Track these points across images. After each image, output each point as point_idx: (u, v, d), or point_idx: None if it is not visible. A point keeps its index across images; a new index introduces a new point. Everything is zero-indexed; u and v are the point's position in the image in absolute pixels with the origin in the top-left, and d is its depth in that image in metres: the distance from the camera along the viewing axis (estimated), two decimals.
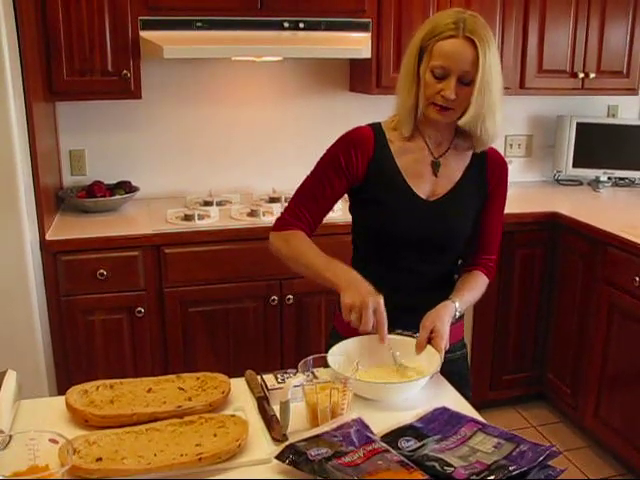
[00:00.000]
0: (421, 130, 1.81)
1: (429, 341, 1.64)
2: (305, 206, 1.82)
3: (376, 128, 1.83)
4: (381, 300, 1.58)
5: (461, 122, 1.71)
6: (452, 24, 1.64)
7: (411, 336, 1.68)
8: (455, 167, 1.83)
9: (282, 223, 1.84)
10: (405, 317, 1.72)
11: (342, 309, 1.60)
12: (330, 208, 1.86)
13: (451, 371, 1.68)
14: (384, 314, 1.58)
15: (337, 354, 1.57)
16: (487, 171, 1.85)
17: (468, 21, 1.64)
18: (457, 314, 1.74)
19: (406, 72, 1.74)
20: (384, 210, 1.79)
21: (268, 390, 1.54)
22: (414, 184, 1.79)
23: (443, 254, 1.84)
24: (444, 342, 1.62)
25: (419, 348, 1.64)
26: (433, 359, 1.60)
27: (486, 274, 1.89)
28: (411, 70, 1.72)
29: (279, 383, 1.55)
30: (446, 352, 1.63)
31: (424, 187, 1.80)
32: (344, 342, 1.65)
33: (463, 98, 1.68)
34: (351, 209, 1.90)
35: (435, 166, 1.81)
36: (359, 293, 1.58)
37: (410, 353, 1.64)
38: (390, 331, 1.70)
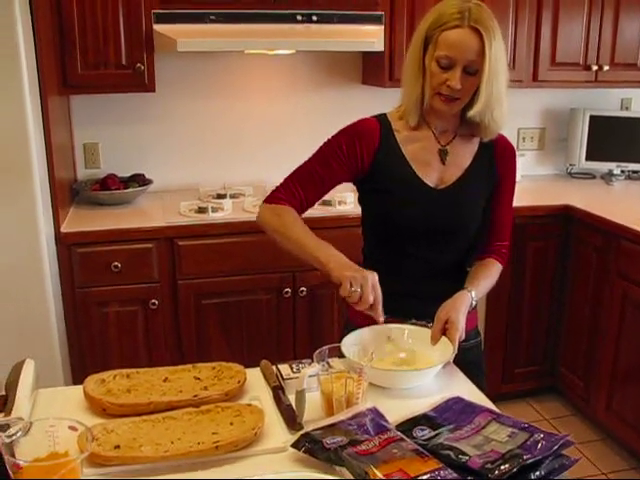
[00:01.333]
0: (427, 119, 1.81)
1: (444, 332, 1.64)
2: (302, 186, 1.81)
3: (381, 119, 1.84)
4: (377, 277, 1.59)
5: (471, 113, 1.72)
6: (457, 14, 1.64)
7: (425, 326, 1.69)
8: (463, 154, 1.83)
9: (275, 197, 1.83)
10: (416, 305, 1.74)
11: (342, 282, 1.58)
12: (325, 193, 1.86)
13: (465, 359, 1.68)
14: (379, 291, 1.58)
15: (351, 344, 1.58)
16: (495, 157, 1.85)
17: (473, 10, 1.64)
18: (473, 303, 1.75)
19: (411, 62, 1.75)
20: (392, 200, 1.80)
21: (283, 380, 1.55)
22: (422, 173, 1.80)
23: (453, 242, 1.85)
24: (459, 333, 1.62)
25: (434, 339, 1.65)
26: (446, 349, 1.61)
27: (499, 261, 1.89)
28: (416, 60, 1.73)
29: (294, 373, 1.56)
30: (461, 341, 1.63)
31: (432, 175, 1.80)
32: (358, 331, 1.65)
33: (468, 88, 1.68)
34: (360, 200, 1.91)
35: (443, 154, 1.81)
36: (356, 270, 1.59)
37: (424, 342, 1.65)
38: (404, 321, 1.72)
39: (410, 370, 1.59)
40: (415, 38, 1.75)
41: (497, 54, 1.65)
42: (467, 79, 1.67)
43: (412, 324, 1.72)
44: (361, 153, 1.79)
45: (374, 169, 1.80)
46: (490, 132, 1.78)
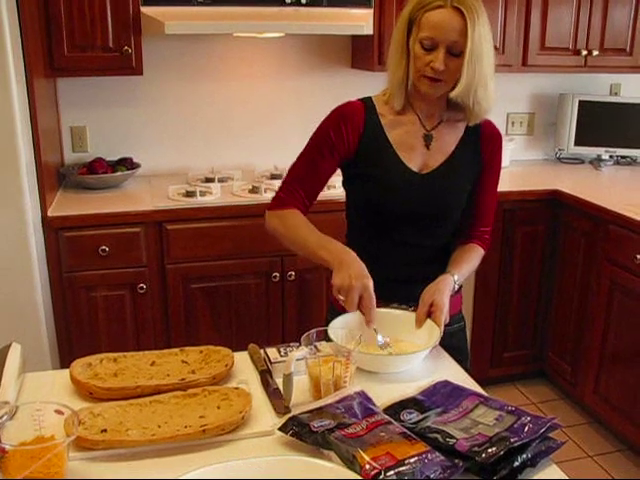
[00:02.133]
0: (412, 103, 1.80)
1: (429, 315, 1.65)
2: (300, 184, 1.81)
3: (367, 102, 1.83)
4: (370, 283, 1.57)
5: (453, 94, 1.70)
6: None
7: (406, 309, 1.69)
8: (448, 140, 1.82)
9: (278, 202, 1.83)
10: (401, 290, 1.73)
11: (333, 288, 1.60)
12: (324, 184, 1.85)
13: (450, 344, 1.69)
14: (372, 298, 1.57)
15: (338, 327, 1.57)
16: (481, 143, 1.84)
17: None
18: (456, 287, 1.75)
19: (396, 45, 1.74)
20: (376, 184, 1.79)
21: (271, 363, 1.55)
22: (406, 157, 1.79)
23: (437, 227, 1.85)
24: (444, 316, 1.63)
25: (419, 322, 1.65)
26: (433, 332, 1.61)
27: (482, 246, 1.90)
28: (400, 43, 1.72)
29: (282, 356, 1.56)
30: (445, 325, 1.64)
31: (416, 160, 1.80)
32: (345, 316, 1.64)
33: (453, 69, 1.67)
34: (344, 184, 1.90)
35: (427, 139, 1.80)
36: (349, 275, 1.57)
37: (408, 327, 1.65)
38: (386, 305, 1.71)
39: (398, 354, 1.59)
40: (399, 20, 1.73)
41: (481, 35, 1.64)
42: (451, 60, 1.65)
43: (394, 308, 1.72)
44: (347, 135, 1.78)
45: (359, 152, 1.79)
46: (476, 116, 1.77)
